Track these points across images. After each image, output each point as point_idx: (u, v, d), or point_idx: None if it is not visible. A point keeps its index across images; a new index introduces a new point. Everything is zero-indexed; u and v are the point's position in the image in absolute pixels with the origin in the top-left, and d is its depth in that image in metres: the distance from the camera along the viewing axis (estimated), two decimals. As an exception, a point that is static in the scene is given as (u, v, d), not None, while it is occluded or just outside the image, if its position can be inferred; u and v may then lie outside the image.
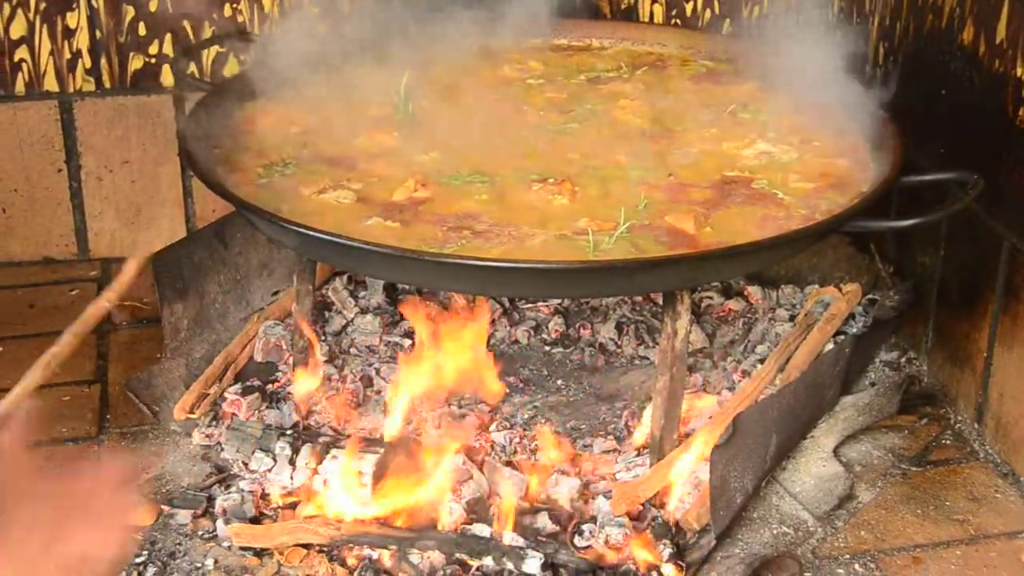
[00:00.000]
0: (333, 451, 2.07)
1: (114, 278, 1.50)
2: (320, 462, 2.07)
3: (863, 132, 2.25)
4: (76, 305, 2.74)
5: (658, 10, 2.93)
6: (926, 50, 2.44)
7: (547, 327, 2.53)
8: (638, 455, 2.12)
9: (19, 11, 2.72)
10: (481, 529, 1.96)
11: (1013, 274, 2.22)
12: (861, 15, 2.67)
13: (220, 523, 2.04)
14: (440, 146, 2.21)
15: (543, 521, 1.98)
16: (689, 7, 2.95)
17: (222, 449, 2.19)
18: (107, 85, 2.81)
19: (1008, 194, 2.20)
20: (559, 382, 2.41)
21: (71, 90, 2.80)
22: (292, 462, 2.10)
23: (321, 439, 2.11)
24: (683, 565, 1.90)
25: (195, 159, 2.06)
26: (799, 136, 2.25)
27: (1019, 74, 2.17)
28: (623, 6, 2.93)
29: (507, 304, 2.57)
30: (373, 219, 1.97)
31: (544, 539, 1.94)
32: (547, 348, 2.50)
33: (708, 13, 2.96)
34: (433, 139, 2.23)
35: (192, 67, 2.79)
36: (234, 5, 2.79)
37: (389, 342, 2.45)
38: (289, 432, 2.15)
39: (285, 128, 2.27)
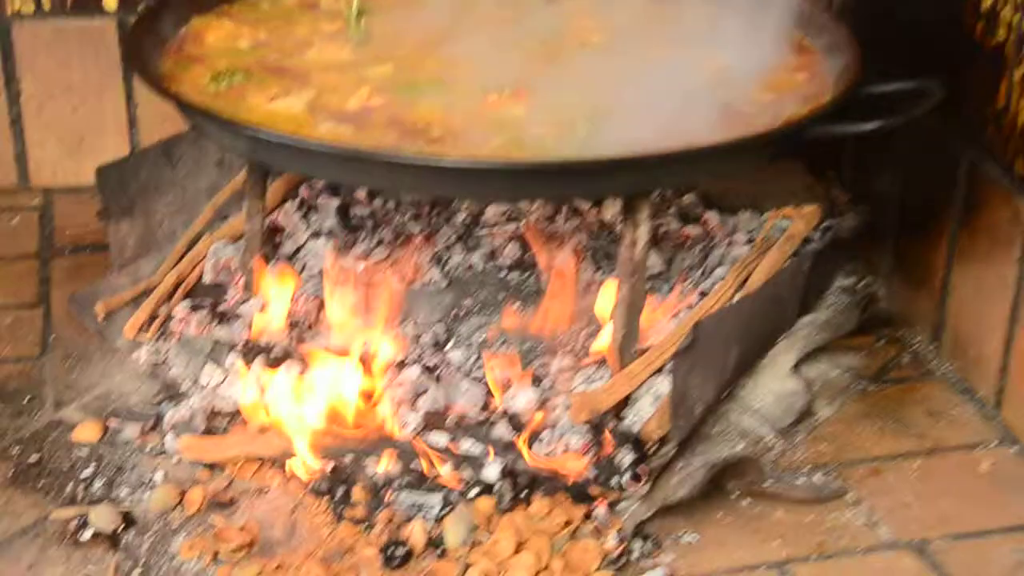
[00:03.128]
0: (286, 363, 2.05)
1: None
2: (272, 375, 2.05)
3: (820, 47, 2.26)
4: (18, 232, 2.69)
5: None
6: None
7: (503, 253, 2.51)
8: (596, 370, 2.11)
9: (-46, -71, 2.67)
10: (438, 438, 1.94)
11: (971, 189, 2.23)
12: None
13: (169, 437, 2.01)
14: (394, 59, 2.19)
15: (501, 430, 1.97)
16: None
17: (171, 367, 2.17)
18: (46, 7, 2.76)
19: (966, 109, 2.21)
20: (515, 306, 2.40)
21: (9, 12, 2.74)
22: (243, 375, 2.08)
23: (273, 353, 2.09)
24: (643, 472, 1.90)
25: (140, 62, 2.04)
26: (755, 53, 2.24)
27: (978, -13, 2.18)
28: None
29: (462, 230, 2.55)
30: (325, 124, 1.95)
31: (502, 448, 1.93)
32: (502, 274, 2.49)
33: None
34: (386, 53, 2.21)
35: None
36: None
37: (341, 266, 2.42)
38: (240, 346, 2.12)
39: (233, 42, 2.24)
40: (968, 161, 2.23)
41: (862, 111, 2.04)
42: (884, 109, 2.03)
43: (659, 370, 2.09)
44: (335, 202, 2.53)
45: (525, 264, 2.49)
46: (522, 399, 2.02)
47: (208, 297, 2.30)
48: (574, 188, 1.96)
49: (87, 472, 1.98)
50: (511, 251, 2.50)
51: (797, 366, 2.25)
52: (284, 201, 2.53)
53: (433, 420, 1.99)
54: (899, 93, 2.06)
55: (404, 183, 1.94)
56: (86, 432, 2.06)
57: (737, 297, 2.24)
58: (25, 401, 2.15)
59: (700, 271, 2.43)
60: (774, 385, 2.20)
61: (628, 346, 2.03)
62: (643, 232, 1.96)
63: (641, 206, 1.94)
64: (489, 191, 2.00)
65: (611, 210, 2.58)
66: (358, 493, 1.91)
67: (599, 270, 2.46)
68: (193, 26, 2.28)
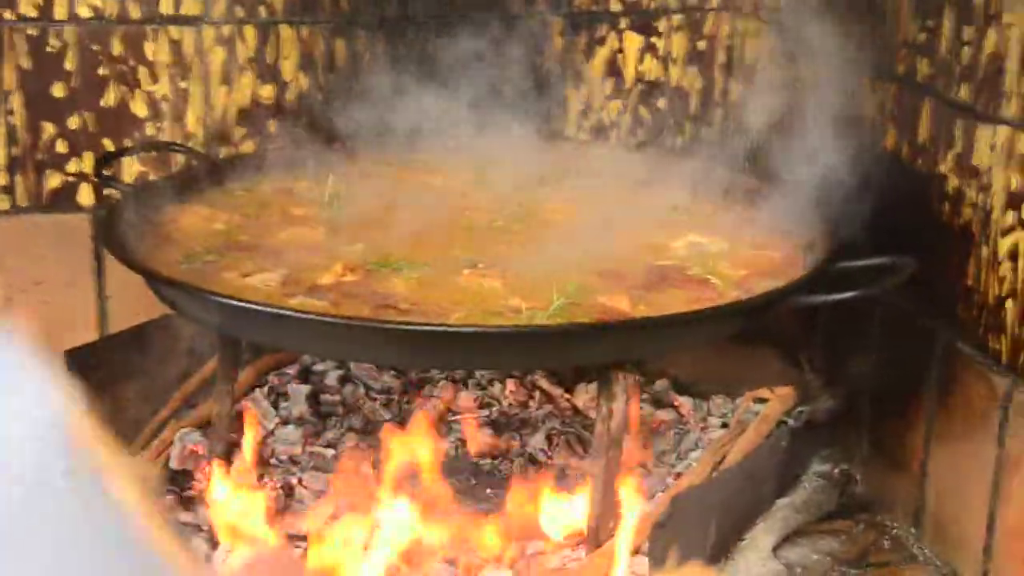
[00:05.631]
0: (254, 547, 1.96)
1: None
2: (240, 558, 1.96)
3: (793, 230, 2.26)
4: (-20, 425, 2.61)
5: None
6: (849, 160, 2.46)
7: (475, 439, 2.45)
8: (572, 551, 2.04)
9: (-66, 126, 2.68)
10: (411, 619, 1.85)
11: (945, 368, 2.20)
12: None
13: (129, 624, 1.90)
14: (366, 239, 2.18)
15: (476, 611, 1.88)
16: (613, 134, 2.98)
17: (133, 553, 2.07)
18: (22, 203, 2.74)
19: (940, 290, 2.20)
20: (488, 491, 2.33)
21: (-18, 208, 2.73)
22: (208, 560, 1.98)
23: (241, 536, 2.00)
24: (624, 653, 1.81)
25: (114, 241, 2.01)
26: (729, 231, 2.25)
27: (942, 170, 2.20)
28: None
29: (435, 418, 2.50)
30: (299, 298, 1.93)
31: (477, 629, 1.84)
32: (474, 460, 2.42)
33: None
34: (359, 234, 2.21)
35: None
36: (157, 125, 2.76)
37: (312, 452, 2.35)
38: (206, 529, 2.04)
39: (208, 225, 2.24)
40: (941, 340, 2.21)
41: (836, 286, 2.03)
42: (857, 286, 2.02)
43: (637, 551, 2.01)
44: (305, 389, 2.48)
45: (498, 450, 2.44)
46: (498, 578, 1.94)
47: (174, 484, 2.22)
48: (551, 357, 1.92)
49: (41, 660, 1.86)
50: (483, 438, 2.44)
51: (777, 549, 2.18)
52: (254, 388, 2.48)
53: (405, 603, 1.90)
54: (872, 268, 2.06)
55: (375, 351, 1.89)
56: (42, 621, 1.94)
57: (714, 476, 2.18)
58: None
59: (675, 455, 2.37)
60: (755, 568, 2.12)
61: (605, 522, 1.96)
62: (619, 406, 1.91)
63: (617, 378, 1.90)
64: (461, 359, 1.96)
65: (583, 396, 2.55)
66: None
67: (573, 455, 2.41)
68: (168, 212, 2.27)
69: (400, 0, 2.73)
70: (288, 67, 2.80)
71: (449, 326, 1.80)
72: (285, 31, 2.74)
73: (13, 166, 2.73)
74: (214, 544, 2.02)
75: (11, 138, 2.71)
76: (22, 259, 2.76)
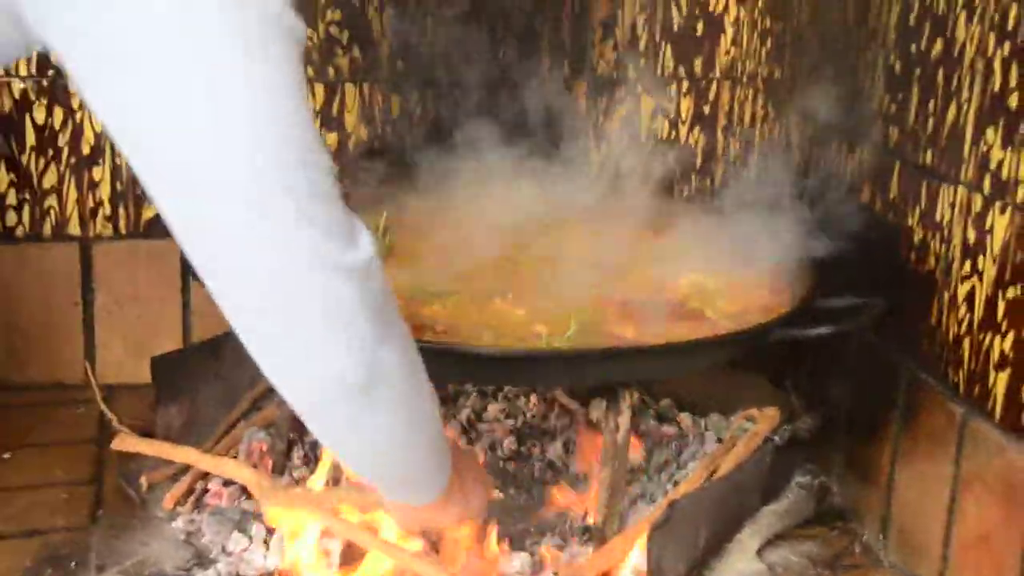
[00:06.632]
0: (307, 531, 1.94)
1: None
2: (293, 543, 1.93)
3: (782, 272, 2.22)
4: (80, 420, 2.60)
5: (602, 186, 2.94)
6: (831, 212, 2.42)
7: (502, 445, 2.42)
8: (583, 544, 2.00)
9: (52, 165, 2.67)
10: (439, 601, 1.82)
11: (910, 396, 2.16)
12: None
13: (197, 598, 1.88)
14: (409, 269, 2.15)
15: (496, 596, 1.84)
16: (629, 183, 2.94)
17: (203, 536, 2.05)
18: (123, 231, 2.74)
19: (907, 328, 2.16)
20: (512, 491, 2.29)
21: (91, 234, 2.73)
22: (266, 542, 1.96)
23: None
24: (622, 639, 1.76)
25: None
26: (727, 271, 2.20)
27: (910, 224, 2.15)
28: (572, 183, 2.92)
29: (466, 425, 2.47)
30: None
31: (496, 612, 1.81)
32: (501, 463, 2.39)
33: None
34: (404, 265, 2.17)
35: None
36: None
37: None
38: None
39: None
40: (907, 371, 2.16)
41: (817, 322, 1.99)
42: (834, 322, 1.98)
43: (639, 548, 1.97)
44: (357, 396, 2.44)
45: (522, 455, 2.40)
46: (517, 562, 1.90)
47: (241, 475, 2.20)
48: (567, 376, 1.89)
49: (120, 628, 1.85)
50: (509, 443, 2.41)
51: (761, 551, 2.13)
52: (313, 395, 2.45)
53: (435, 586, 1.86)
54: (848, 308, 2.02)
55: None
56: (123, 593, 1.93)
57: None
58: (72, 565, 2.02)
59: (675, 465, 2.33)
60: (740, 566, 2.07)
61: (610, 523, 1.92)
62: (624, 420, 1.88)
63: (623, 396, 1.87)
64: (487, 376, 1.94)
65: (596, 411, 2.50)
66: (367, 653, 1.77)
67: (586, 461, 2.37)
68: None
69: (446, 65, 2.71)
70: (350, 119, 2.79)
71: (482, 348, 1.77)
72: (348, 88, 2.74)
73: (117, 199, 2.73)
74: (271, 529, 1.98)
75: (116, 176, 2.71)
76: (122, 278, 2.76)
